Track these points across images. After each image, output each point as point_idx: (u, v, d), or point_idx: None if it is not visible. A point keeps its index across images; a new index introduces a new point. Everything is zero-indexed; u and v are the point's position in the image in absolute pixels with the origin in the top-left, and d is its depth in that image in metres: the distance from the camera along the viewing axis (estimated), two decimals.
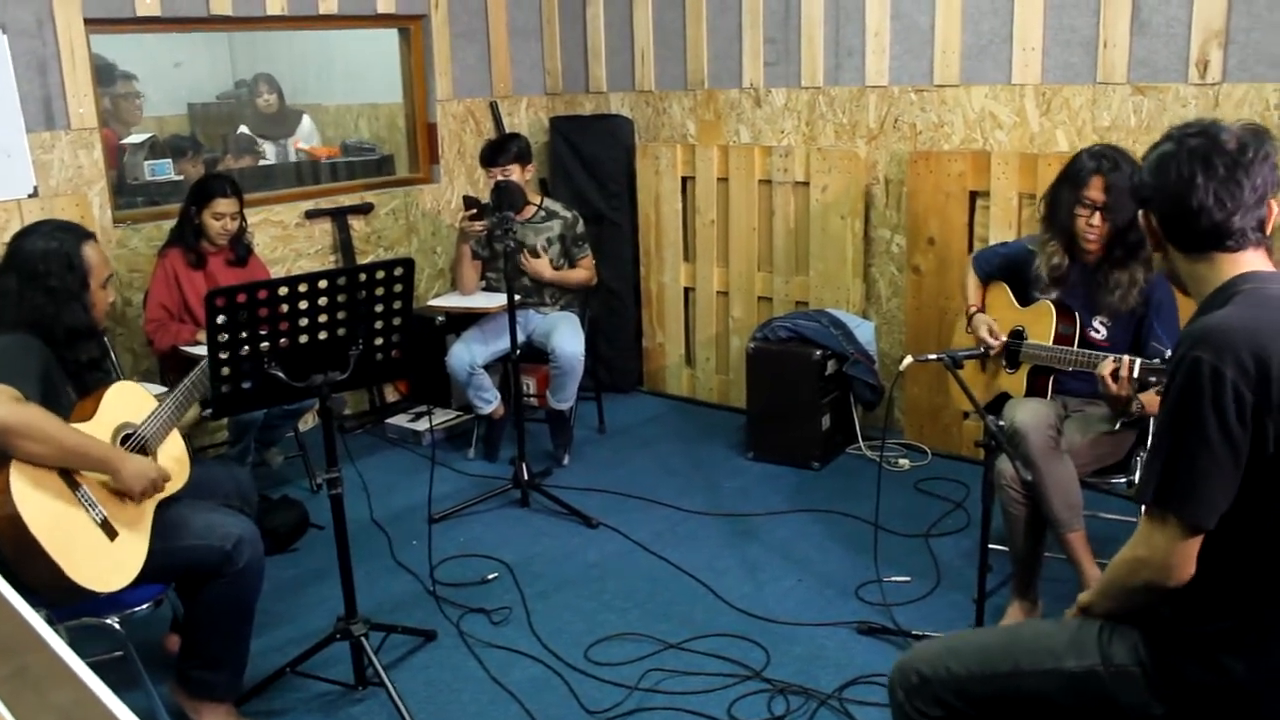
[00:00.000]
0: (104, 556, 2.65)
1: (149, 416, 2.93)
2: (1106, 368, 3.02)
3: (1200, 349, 1.80)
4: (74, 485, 2.67)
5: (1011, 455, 3.08)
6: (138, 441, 2.87)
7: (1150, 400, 3.07)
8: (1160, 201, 1.98)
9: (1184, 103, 4.13)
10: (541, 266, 4.97)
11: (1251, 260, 1.93)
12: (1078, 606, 2.13)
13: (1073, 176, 3.37)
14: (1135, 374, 2.97)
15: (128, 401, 2.94)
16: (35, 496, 2.55)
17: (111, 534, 2.69)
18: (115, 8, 4.61)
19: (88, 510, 2.67)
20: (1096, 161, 3.33)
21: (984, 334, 3.64)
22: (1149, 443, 1.89)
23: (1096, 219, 3.32)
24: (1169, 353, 1.97)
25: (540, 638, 3.54)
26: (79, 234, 2.99)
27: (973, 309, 3.77)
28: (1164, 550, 1.86)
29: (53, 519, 2.56)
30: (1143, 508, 1.93)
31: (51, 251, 2.89)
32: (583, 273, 5.12)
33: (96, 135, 4.61)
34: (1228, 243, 1.92)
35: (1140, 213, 2.05)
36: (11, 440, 2.52)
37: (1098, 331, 3.45)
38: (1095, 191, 3.31)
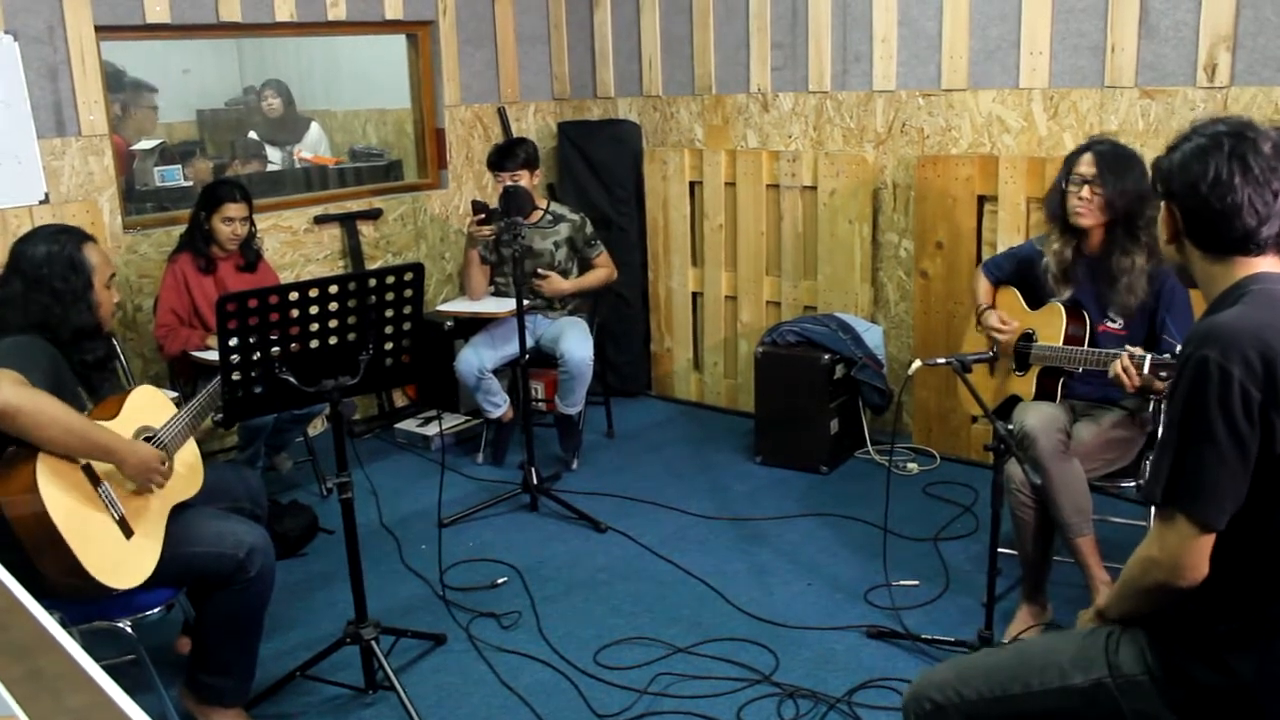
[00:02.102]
0: (119, 553, 2.69)
1: (169, 422, 2.97)
2: (1118, 369, 3.02)
3: (1207, 347, 1.80)
4: (95, 482, 2.71)
5: (1020, 459, 3.08)
6: (157, 444, 2.90)
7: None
8: (1189, 198, 1.92)
9: (1192, 106, 4.12)
10: (558, 283, 4.98)
11: (1266, 263, 1.92)
12: (1094, 611, 2.13)
13: (1067, 162, 3.45)
14: (1146, 370, 2.97)
15: (150, 406, 2.99)
16: (59, 491, 2.60)
17: (128, 532, 2.73)
18: (125, 15, 4.63)
19: (107, 507, 2.71)
20: (1089, 142, 3.44)
21: (995, 323, 3.65)
22: (1156, 441, 1.89)
23: (1086, 191, 3.35)
24: (1180, 348, 1.96)
25: (550, 642, 3.54)
26: (79, 236, 3.01)
27: (983, 306, 3.78)
28: (1175, 550, 1.86)
29: (74, 513, 2.61)
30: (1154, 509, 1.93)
31: (54, 254, 2.91)
32: (601, 272, 5.13)
33: (107, 142, 4.64)
34: (1250, 248, 1.90)
35: (1163, 204, 1.99)
36: (20, 421, 2.55)
37: (1114, 321, 3.44)
38: (1085, 166, 3.37)
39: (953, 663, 2.23)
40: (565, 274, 5.07)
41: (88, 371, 2.96)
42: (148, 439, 2.89)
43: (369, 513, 4.50)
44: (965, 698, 2.09)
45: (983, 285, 3.82)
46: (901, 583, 3.80)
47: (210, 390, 3.03)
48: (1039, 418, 3.30)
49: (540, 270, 4.97)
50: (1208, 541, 1.84)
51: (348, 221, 5.55)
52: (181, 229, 4.61)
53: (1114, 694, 1.97)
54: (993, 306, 3.77)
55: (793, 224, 5.35)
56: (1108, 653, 2.00)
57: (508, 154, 4.88)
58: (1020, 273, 3.72)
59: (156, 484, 2.84)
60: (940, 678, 2.16)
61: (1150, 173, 2.04)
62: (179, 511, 2.92)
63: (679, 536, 4.30)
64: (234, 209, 4.41)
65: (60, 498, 2.59)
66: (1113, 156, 3.33)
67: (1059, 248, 3.48)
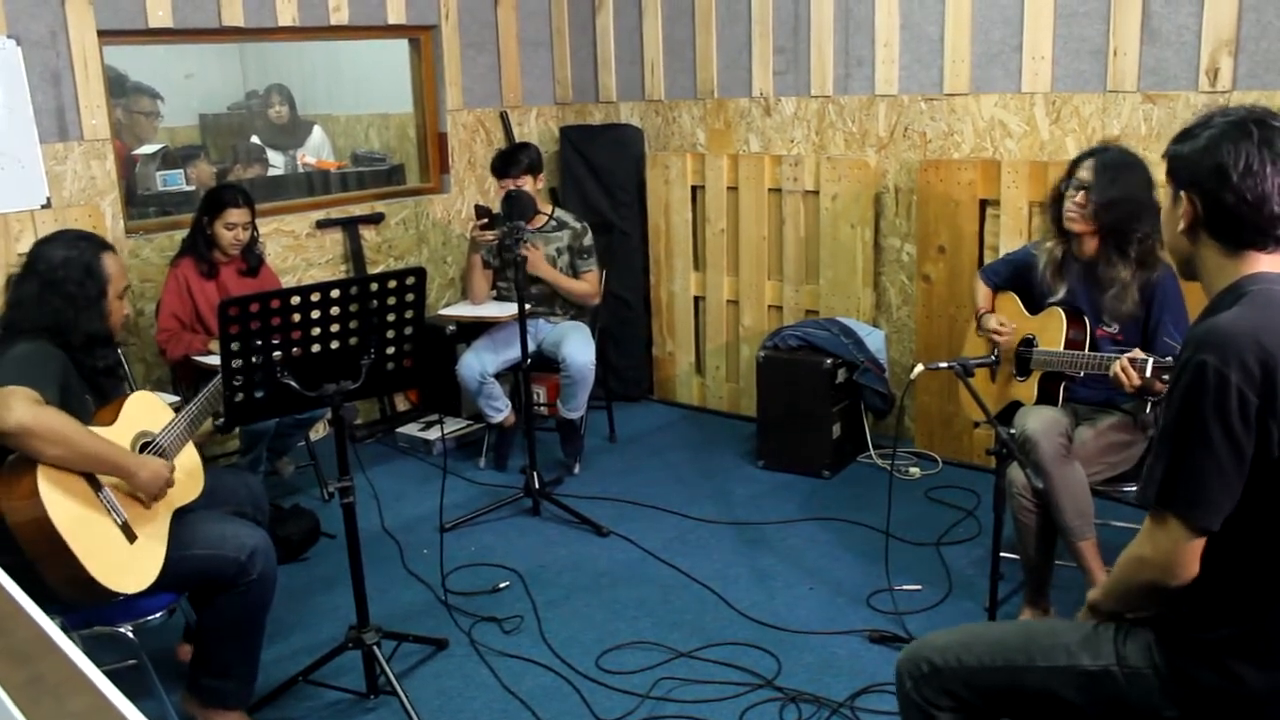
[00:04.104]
0: (124, 558, 2.69)
1: (167, 426, 2.96)
2: (1118, 369, 3.02)
3: (1205, 352, 1.79)
4: (97, 487, 2.71)
5: (1023, 463, 3.08)
6: (156, 449, 2.91)
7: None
8: (1217, 186, 1.86)
9: (1194, 110, 4.12)
10: (538, 259, 4.91)
11: (1268, 261, 1.90)
12: (1086, 605, 2.13)
13: (1071, 165, 3.47)
14: (1149, 374, 2.97)
15: (146, 411, 2.99)
16: (62, 498, 2.60)
17: (131, 537, 2.73)
18: (128, 19, 4.64)
19: (110, 512, 2.71)
20: (1094, 148, 3.47)
21: (994, 325, 3.67)
22: (1153, 443, 1.88)
23: (1080, 196, 3.36)
24: (1178, 350, 1.94)
25: (552, 646, 3.54)
26: (98, 244, 3.03)
27: (982, 311, 3.79)
28: (1166, 551, 1.86)
29: (77, 519, 2.61)
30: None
31: (71, 259, 2.93)
32: (583, 285, 5.06)
33: (109, 146, 4.64)
34: (1268, 242, 1.88)
35: (1182, 193, 1.93)
36: (31, 442, 2.56)
37: (1110, 326, 3.44)
38: (1084, 171, 3.38)
39: (955, 629, 2.22)
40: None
41: (96, 378, 2.97)
42: (146, 444, 2.89)
43: (371, 517, 4.49)
44: (965, 664, 2.08)
45: (982, 291, 3.83)
46: (904, 587, 3.80)
47: (207, 393, 3.03)
48: (1040, 421, 3.30)
49: (535, 243, 4.91)
50: (1199, 543, 1.84)
51: (350, 226, 5.55)
52: (183, 233, 4.62)
53: (1120, 682, 1.97)
54: (992, 311, 3.78)
55: (795, 228, 5.35)
56: (1116, 643, 2.00)
57: (511, 159, 4.88)
58: (1018, 277, 3.73)
59: (166, 492, 2.84)
60: (941, 641, 2.14)
61: (1168, 163, 1.98)
62: (180, 515, 2.92)
63: (681, 540, 4.29)
64: (236, 214, 4.41)
65: (62, 504, 2.59)
66: (1112, 165, 3.34)
67: (1051, 246, 3.52)
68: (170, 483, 2.85)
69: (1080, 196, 3.36)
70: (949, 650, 2.11)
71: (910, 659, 2.15)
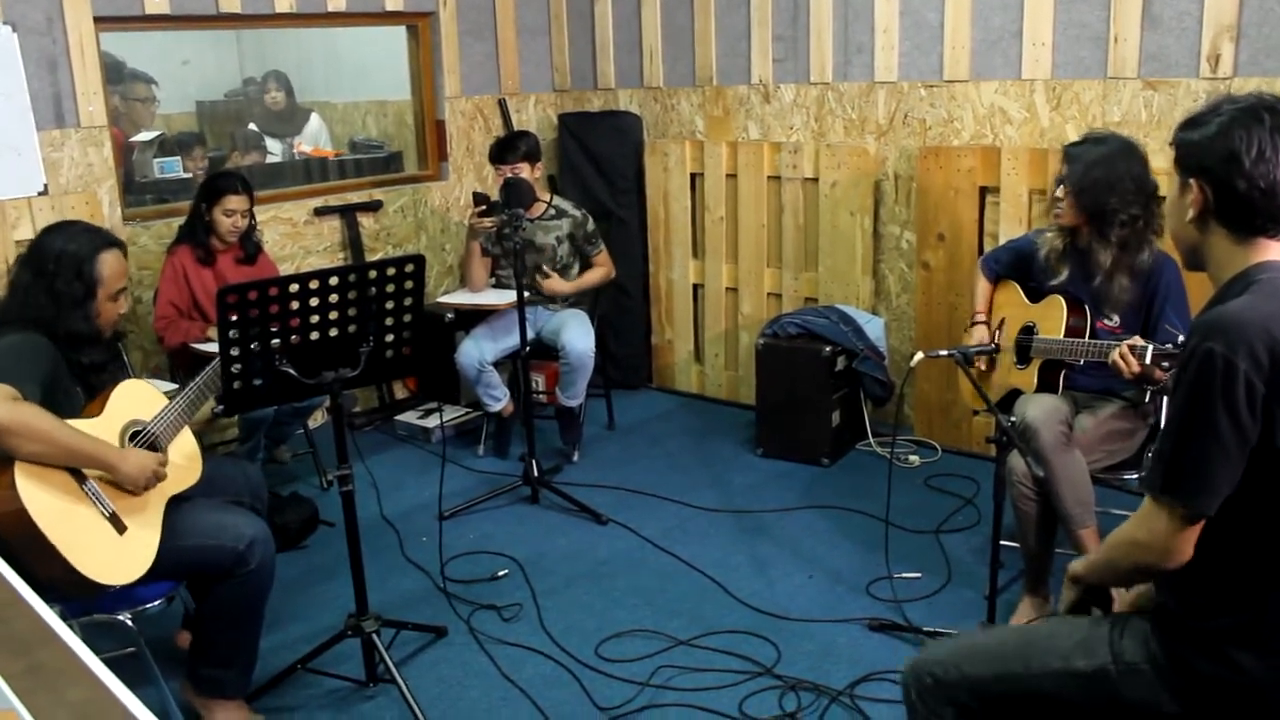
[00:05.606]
0: (113, 550, 2.67)
1: (159, 414, 2.94)
2: (1116, 356, 3.02)
3: (1213, 339, 1.78)
4: (80, 479, 2.68)
5: (1023, 451, 3.08)
6: (147, 438, 2.88)
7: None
8: (1229, 173, 1.85)
9: (1195, 97, 4.11)
10: (556, 285, 4.97)
11: (1276, 250, 1.89)
12: (1068, 576, 2.14)
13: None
14: (1149, 360, 2.96)
15: (136, 399, 2.95)
16: (41, 491, 2.57)
17: (121, 528, 2.71)
18: (124, 5, 4.61)
19: (96, 504, 2.68)
20: (1067, 144, 3.48)
21: (973, 342, 3.68)
22: (1160, 430, 1.88)
23: (1060, 191, 3.38)
24: (1182, 338, 1.94)
25: (551, 634, 3.54)
26: (101, 241, 2.99)
27: (978, 316, 3.78)
28: (1164, 536, 1.86)
29: (59, 513, 2.58)
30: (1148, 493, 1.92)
31: (66, 253, 2.90)
32: (599, 271, 5.12)
33: (106, 133, 4.62)
34: (1279, 229, 1.87)
35: (1191, 181, 1.91)
36: (6, 439, 2.53)
37: (1109, 319, 3.44)
38: (1061, 166, 3.40)
39: (955, 639, 2.24)
40: (567, 269, 5.06)
41: (85, 373, 2.94)
42: (136, 433, 2.87)
43: (369, 505, 4.49)
44: (966, 674, 2.09)
45: (981, 286, 3.82)
46: (903, 575, 3.80)
47: (202, 379, 3.01)
48: (1041, 409, 3.30)
49: (545, 268, 4.96)
50: (1197, 529, 1.84)
51: (348, 213, 5.53)
52: (181, 220, 4.60)
53: (1114, 681, 1.97)
54: (987, 318, 3.77)
55: (794, 216, 5.34)
56: (1111, 640, 2.00)
57: (508, 147, 4.87)
58: (1019, 265, 3.72)
59: (154, 484, 2.81)
60: (943, 653, 2.16)
61: (1176, 151, 1.96)
62: (178, 504, 2.91)
63: (680, 529, 4.29)
64: (235, 201, 4.40)
65: (42, 497, 2.56)
66: (1083, 151, 3.35)
67: (1052, 236, 3.53)
68: (160, 474, 2.82)
69: (1060, 190, 3.39)
70: (950, 661, 2.12)
71: (914, 672, 2.16)
